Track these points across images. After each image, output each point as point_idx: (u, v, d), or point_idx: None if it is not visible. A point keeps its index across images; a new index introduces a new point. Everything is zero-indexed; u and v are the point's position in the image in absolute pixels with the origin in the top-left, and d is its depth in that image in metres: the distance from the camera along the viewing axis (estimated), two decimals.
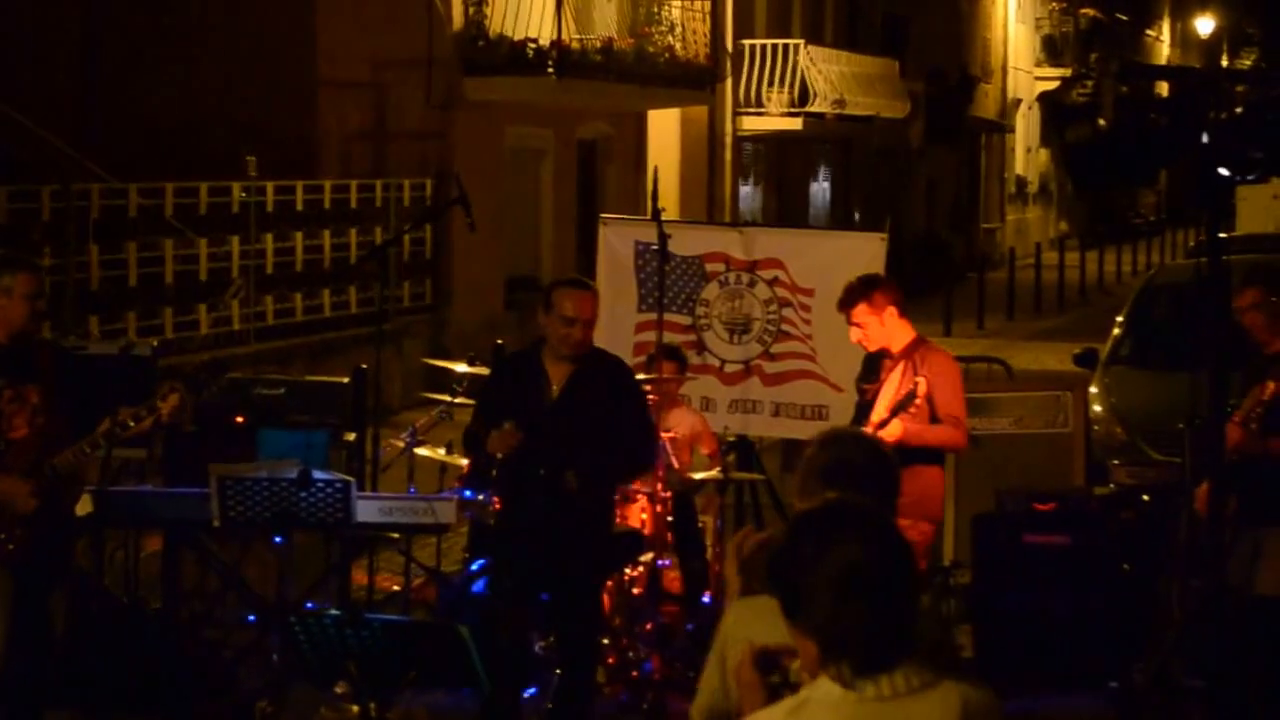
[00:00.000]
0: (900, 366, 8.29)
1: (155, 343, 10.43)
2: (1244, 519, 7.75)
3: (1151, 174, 53.37)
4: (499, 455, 7.60)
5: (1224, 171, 8.14)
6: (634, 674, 8.55)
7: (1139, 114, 51.47)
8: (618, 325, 11.20)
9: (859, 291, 8.47)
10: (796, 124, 27.70)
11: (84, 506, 7.94)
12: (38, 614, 7.32)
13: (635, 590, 8.84)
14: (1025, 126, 46.74)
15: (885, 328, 8.38)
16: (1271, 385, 7.81)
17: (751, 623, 4.15)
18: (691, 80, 23.79)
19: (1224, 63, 52.77)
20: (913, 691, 3.42)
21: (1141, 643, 8.54)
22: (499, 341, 12.14)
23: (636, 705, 8.43)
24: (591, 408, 7.60)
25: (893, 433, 7.89)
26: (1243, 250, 13.95)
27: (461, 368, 10.22)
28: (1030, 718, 8.43)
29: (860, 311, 8.37)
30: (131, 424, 7.18)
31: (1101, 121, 48.93)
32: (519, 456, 7.58)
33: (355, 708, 7.04)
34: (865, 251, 10.90)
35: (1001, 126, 43.62)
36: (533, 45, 19.81)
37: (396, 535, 9.53)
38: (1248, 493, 7.71)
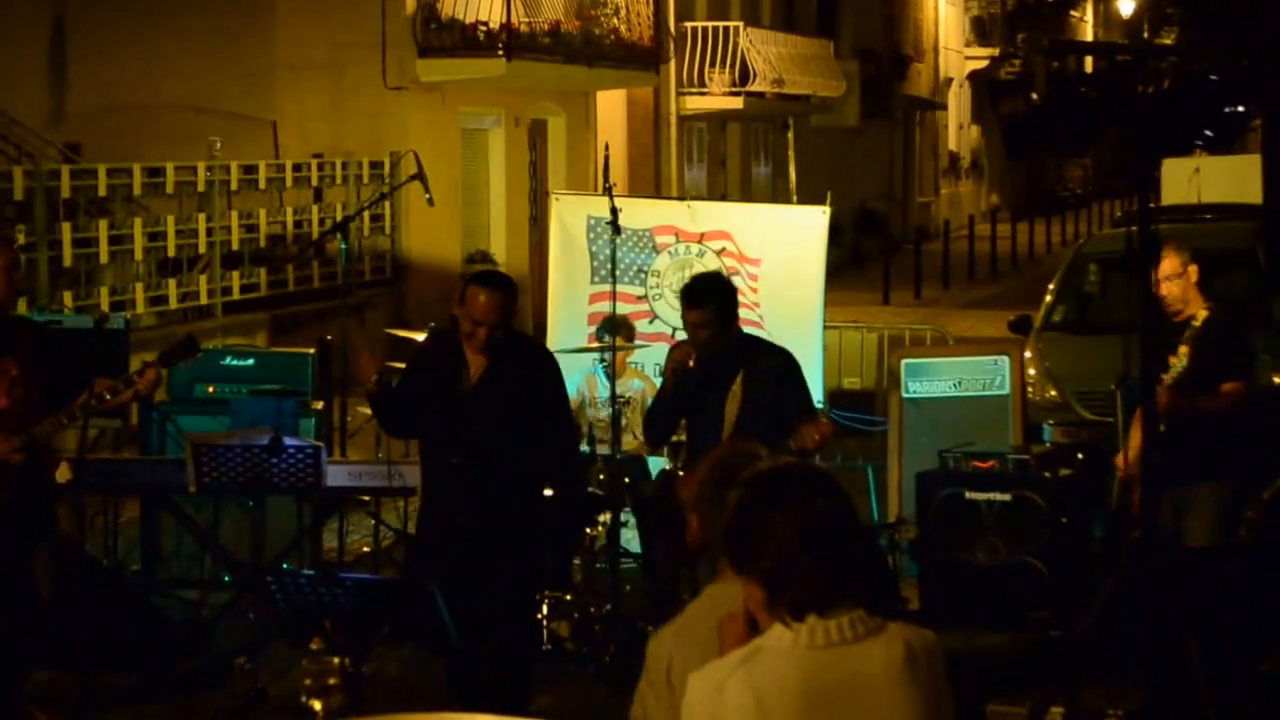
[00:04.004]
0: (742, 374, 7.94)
1: (128, 315, 10.64)
2: (1168, 476, 8.01)
3: (1083, 145, 53.86)
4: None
5: (1151, 143, 8.22)
6: (596, 628, 8.74)
7: (1069, 88, 51.95)
8: (572, 297, 11.36)
9: (714, 291, 7.98)
10: (738, 103, 28.05)
11: (63, 474, 8.11)
12: (23, 578, 7.41)
13: (595, 548, 9.14)
14: (956, 104, 47.19)
15: (727, 331, 8.00)
16: (1184, 349, 8.05)
17: (679, 648, 4.27)
18: (636, 61, 24.06)
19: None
20: (859, 638, 3.59)
21: (1080, 594, 8.64)
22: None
23: (598, 658, 8.61)
24: (509, 398, 7.21)
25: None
26: (1167, 220, 14.28)
27: (422, 337, 10.44)
28: (972, 668, 8.70)
29: (705, 315, 7.91)
30: (108, 397, 7.29)
31: (1034, 95, 49.42)
32: (437, 445, 7.37)
33: (336, 660, 7.20)
34: (809, 224, 11.12)
35: (934, 104, 44.07)
36: (483, 28, 20.06)
37: (366, 498, 9.78)
38: (1171, 451, 8.00)
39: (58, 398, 7.35)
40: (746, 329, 10.25)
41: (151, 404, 9.57)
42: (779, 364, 8.01)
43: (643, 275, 11.21)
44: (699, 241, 11.12)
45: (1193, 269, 8.22)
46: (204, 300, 16.57)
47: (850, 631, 3.59)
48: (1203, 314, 8.19)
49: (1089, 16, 61.69)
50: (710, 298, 7.90)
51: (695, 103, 27.84)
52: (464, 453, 7.22)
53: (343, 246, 9.07)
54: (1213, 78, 45.05)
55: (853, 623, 3.60)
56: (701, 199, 22.61)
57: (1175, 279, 8.19)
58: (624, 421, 9.83)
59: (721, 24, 28.37)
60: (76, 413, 7.30)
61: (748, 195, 29.94)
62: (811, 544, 3.57)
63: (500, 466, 7.22)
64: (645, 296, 11.22)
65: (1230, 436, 8.18)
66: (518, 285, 7.56)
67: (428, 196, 10.57)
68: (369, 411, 10.20)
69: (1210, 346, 8.07)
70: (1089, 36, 59.82)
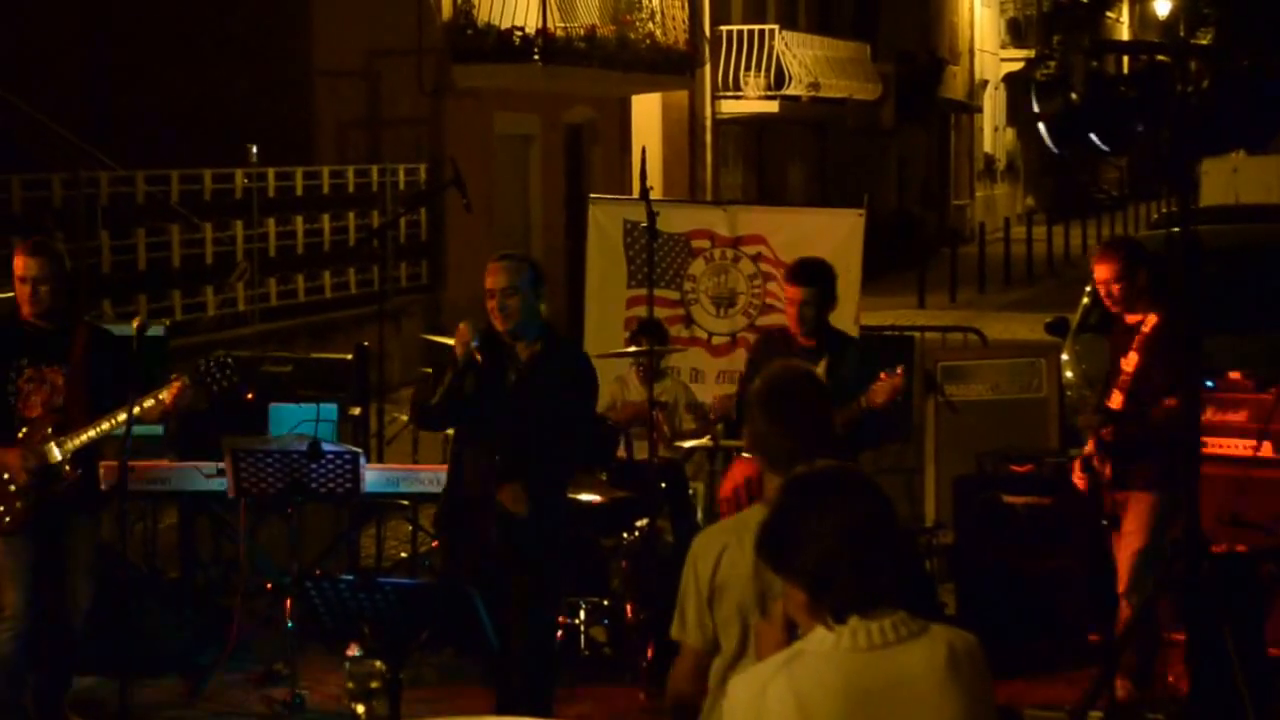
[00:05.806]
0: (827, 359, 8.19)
1: (167, 323, 10.68)
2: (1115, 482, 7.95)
3: (1123, 145, 53.68)
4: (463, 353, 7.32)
5: (1191, 143, 8.03)
6: (633, 634, 8.76)
7: (1109, 87, 51.78)
8: (609, 301, 11.41)
9: (821, 273, 8.43)
10: (773, 107, 28.10)
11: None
12: (62, 584, 7.53)
13: (632, 554, 9.05)
14: (992, 106, 47.10)
15: (825, 313, 8.37)
16: (1134, 356, 7.86)
17: (715, 543, 4.64)
18: (672, 66, 24.15)
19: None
20: (901, 640, 3.60)
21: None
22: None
23: (634, 663, 8.64)
24: (546, 400, 7.30)
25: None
26: (1206, 221, 14.19)
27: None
28: (1011, 671, 8.64)
29: (811, 294, 8.32)
30: (136, 411, 7.32)
31: (1074, 95, 49.27)
32: (470, 442, 7.45)
33: (379, 664, 7.20)
34: (844, 227, 11.12)
35: (970, 107, 43.99)
36: (519, 33, 20.18)
37: (405, 503, 9.81)
38: (1115, 458, 7.93)
39: (105, 406, 7.40)
40: None
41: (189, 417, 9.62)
42: (861, 350, 8.65)
43: (679, 279, 11.25)
44: (734, 247, 11.13)
45: (1143, 272, 7.97)
46: (241, 307, 16.69)
47: (893, 634, 3.60)
48: (1153, 319, 7.92)
49: (1125, 17, 61.54)
50: (818, 279, 8.42)
51: (731, 106, 27.92)
52: (502, 452, 7.28)
53: (380, 253, 9.08)
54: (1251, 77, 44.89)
55: (895, 625, 3.61)
56: (738, 202, 22.60)
57: (1116, 282, 7.97)
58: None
59: (757, 27, 28.44)
60: (104, 427, 7.35)
61: (783, 199, 29.95)
62: (853, 545, 3.59)
63: (536, 466, 7.29)
64: (681, 301, 11.25)
65: (1168, 446, 7.76)
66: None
67: (465, 202, 10.60)
68: (405, 418, 10.27)
69: (1153, 358, 7.84)
70: (1125, 37, 59.67)
